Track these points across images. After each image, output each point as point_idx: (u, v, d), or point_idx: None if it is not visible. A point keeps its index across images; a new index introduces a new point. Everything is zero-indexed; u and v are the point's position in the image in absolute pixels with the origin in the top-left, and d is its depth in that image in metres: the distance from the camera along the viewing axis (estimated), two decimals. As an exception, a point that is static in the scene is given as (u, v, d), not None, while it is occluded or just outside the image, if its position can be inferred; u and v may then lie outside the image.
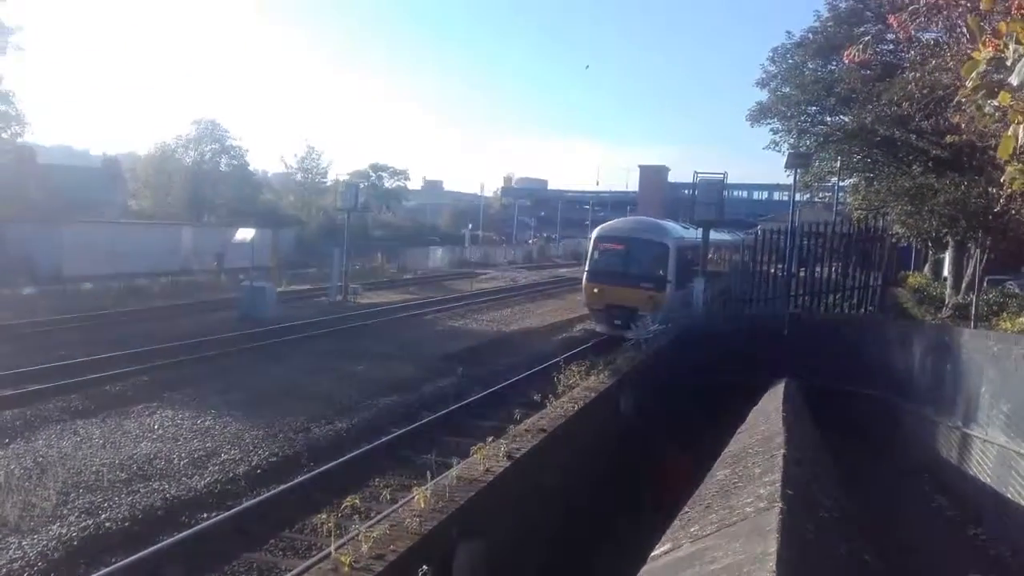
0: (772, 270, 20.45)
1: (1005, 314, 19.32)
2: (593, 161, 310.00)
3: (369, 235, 55.11)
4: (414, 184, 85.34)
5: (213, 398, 13.53)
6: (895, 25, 7.41)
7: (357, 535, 5.38)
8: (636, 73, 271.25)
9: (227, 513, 8.71)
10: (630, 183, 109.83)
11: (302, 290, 31.21)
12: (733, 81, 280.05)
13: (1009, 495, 7.52)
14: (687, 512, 5.08)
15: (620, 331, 18.82)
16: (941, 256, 32.67)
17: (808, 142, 26.44)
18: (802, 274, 20.08)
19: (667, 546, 4.18)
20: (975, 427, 8.78)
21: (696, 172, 21.13)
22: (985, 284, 22.14)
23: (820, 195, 37.32)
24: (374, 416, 13.22)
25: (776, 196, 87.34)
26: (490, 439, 7.74)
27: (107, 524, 8.29)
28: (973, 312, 18.74)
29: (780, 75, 26.03)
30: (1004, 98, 3.77)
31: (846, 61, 13.06)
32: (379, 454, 11.18)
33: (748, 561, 3.16)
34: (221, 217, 48.66)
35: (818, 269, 20.57)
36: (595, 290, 21.67)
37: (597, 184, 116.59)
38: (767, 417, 8.34)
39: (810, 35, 24.81)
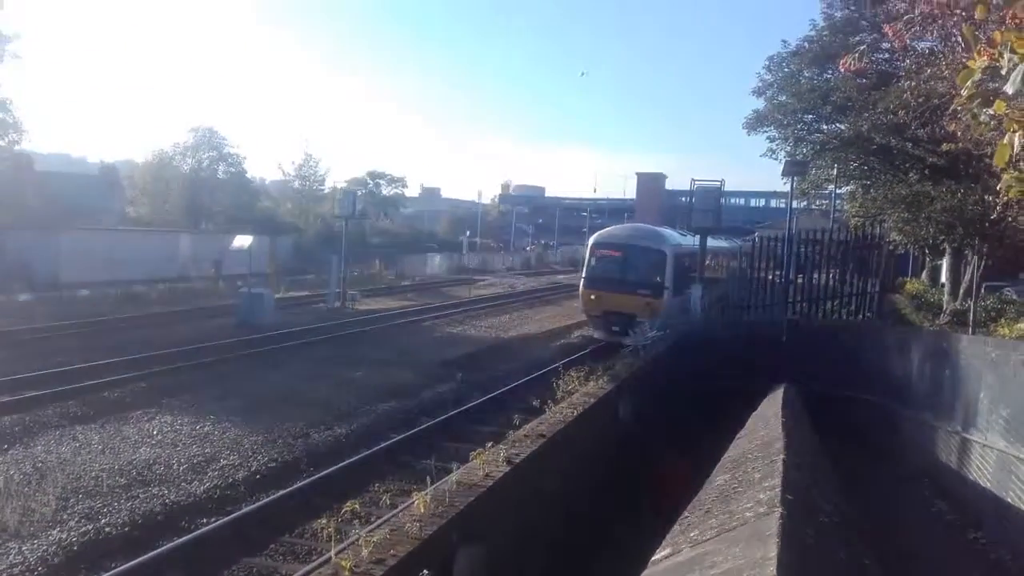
0: (770, 277, 20.50)
1: (1003, 320, 19.34)
2: (590, 168, 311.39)
3: (367, 242, 55.08)
4: (412, 191, 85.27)
5: (212, 404, 13.53)
6: (890, 34, 7.45)
7: (357, 540, 5.40)
8: (633, 81, 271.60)
9: (227, 518, 8.71)
10: (627, 190, 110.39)
11: (300, 297, 31.24)
12: (730, 89, 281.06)
13: (1009, 499, 7.55)
14: (687, 517, 5.10)
15: (618, 337, 18.87)
16: (938, 263, 32.71)
17: (805, 150, 26.52)
18: (800, 281, 20.12)
19: (667, 551, 4.19)
20: (974, 432, 8.81)
21: (693, 179, 21.29)
22: (983, 290, 22.20)
23: (817, 202, 37.46)
24: (373, 422, 13.22)
25: (773, 203, 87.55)
26: (490, 444, 7.77)
27: (107, 529, 8.29)
28: (971, 318, 18.75)
29: (776, 84, 26.11)
30: (999, 107, 3.81)
31: (842, 70, 13.10)
32: (378, 459, 11.19)
33: (748, 566, 3.17)
34: (219, 224, 48.63)
35: (816, 276, 20.62)
36: (592, 297, 21.71)
37: (595, 191, 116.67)
38: (766, 422, 8.36)
39: (806, 44, 24.94)
